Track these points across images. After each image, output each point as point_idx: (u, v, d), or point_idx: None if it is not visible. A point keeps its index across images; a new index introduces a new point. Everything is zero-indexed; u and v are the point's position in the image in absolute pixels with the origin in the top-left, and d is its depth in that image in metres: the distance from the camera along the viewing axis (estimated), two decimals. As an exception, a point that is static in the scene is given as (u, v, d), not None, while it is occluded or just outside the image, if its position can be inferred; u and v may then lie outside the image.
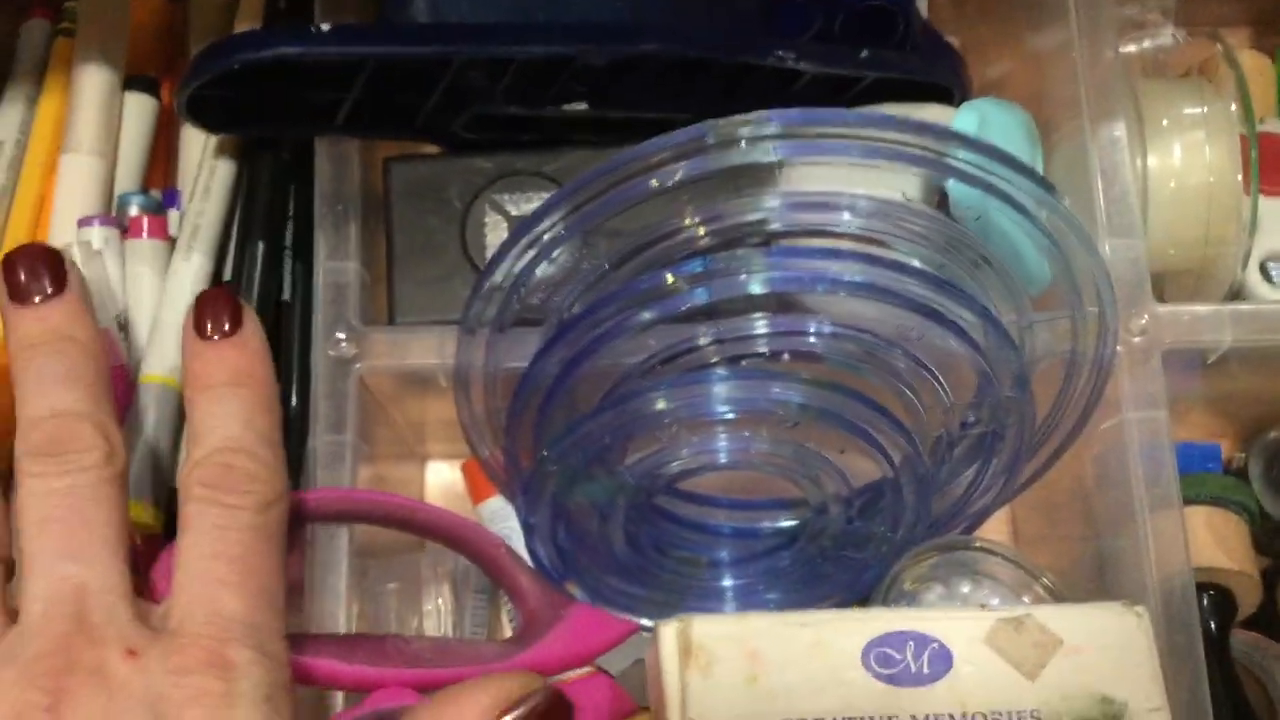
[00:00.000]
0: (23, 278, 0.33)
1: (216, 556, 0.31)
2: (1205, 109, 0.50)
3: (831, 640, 0.40)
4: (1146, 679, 0.40)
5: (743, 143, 0.40)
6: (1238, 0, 0.61)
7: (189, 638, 0.30)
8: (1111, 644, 0.40)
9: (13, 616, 0.30)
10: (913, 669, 0.40)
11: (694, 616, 0.40)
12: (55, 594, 0.30)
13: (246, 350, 0.34)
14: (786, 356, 0.44)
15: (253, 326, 0.35)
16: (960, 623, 0.40)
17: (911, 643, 0.40)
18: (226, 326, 0.34)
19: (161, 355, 0.47)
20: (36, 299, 0.33)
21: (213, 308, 0.34)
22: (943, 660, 0.40)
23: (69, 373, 0.32)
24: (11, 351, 0.33)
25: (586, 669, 0.44)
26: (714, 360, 0.44)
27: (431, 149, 0.52)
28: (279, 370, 0.48)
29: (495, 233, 0.49)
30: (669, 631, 0.39)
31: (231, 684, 0.29)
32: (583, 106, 0.48)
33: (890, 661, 0.40)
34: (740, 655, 0.40)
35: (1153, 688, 0.40)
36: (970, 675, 0.40)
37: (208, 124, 0.46)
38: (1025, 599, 0.49)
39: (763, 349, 0.44)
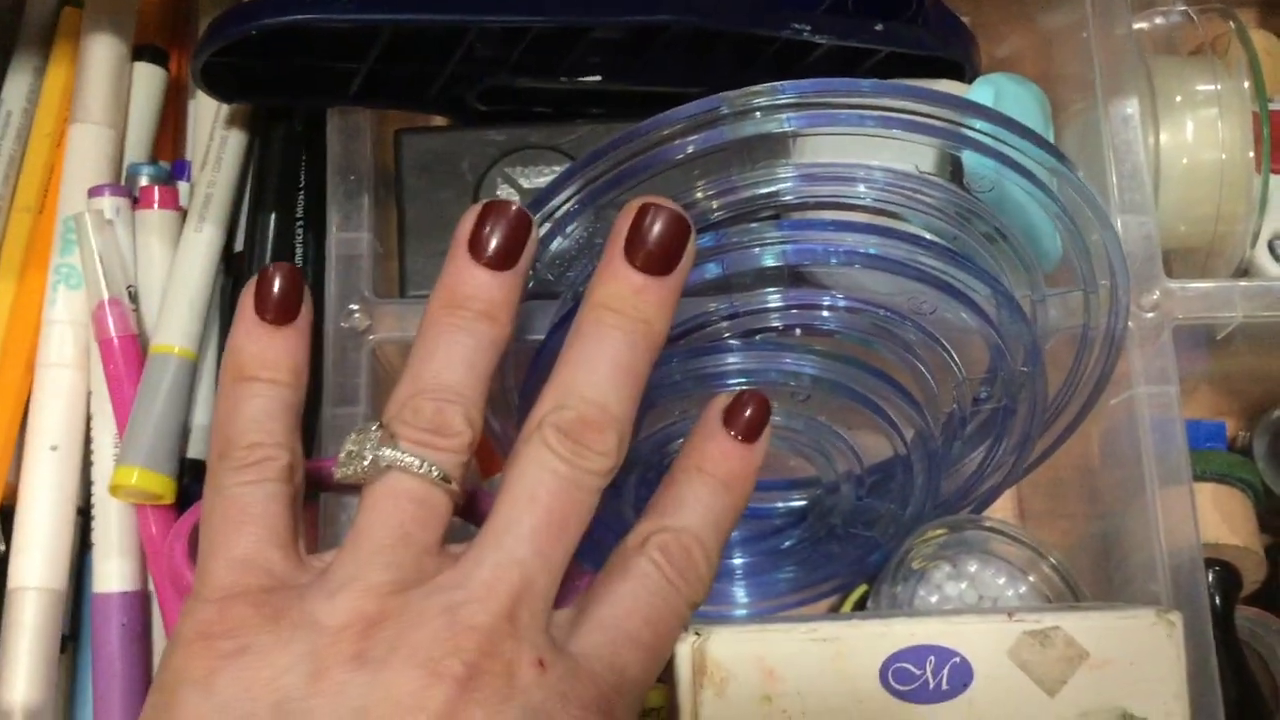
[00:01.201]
0: (657, 243, 0.33)
1: (637, 614, 0.32)
2: (1218, 86, 0.50)
3: (850, 655, 0.40)
4: (1170, 694, 0.40)
5: (757, 114, 0.40)
6: (1248, -23, 0.62)
7: (589, 674, 0.31)
8: (1139, 656, 0.40)
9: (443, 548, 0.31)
10: (931, 685, 0.40)
11: (710, 630, 0.39)
12: (505, 574, 0.30)
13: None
14: (799, 331, 0.44)
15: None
16: (985, 634, 0.40)
17: (933, 657, 0.40)
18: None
19: (172, 325, 0.46)
20: (652, 266, 0.33)
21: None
22: (963, 675, 0.40)
23: (630, 364, 0.33)
24: (593, 307, 0.33)
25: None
26: (727, 334, 0.44)
27: (442, 122, 0.51)
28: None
29: (507, 206, 0.49)
30: (684, 649, 0.39)
31: None
32: (596, 79, 0.48)
33: (909, 678, 0.40)
34: (756, 673, 0.40)
35: (1175, 704, 0.40)
36: (989, 691, 0.40)
37: (221, 93, 0.46)
38: (1031, 577, 0.50)
39: (776, 323, 0.44)
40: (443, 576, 0.30)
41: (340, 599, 0.30)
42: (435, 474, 0.31)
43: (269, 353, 0.33)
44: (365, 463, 0.31)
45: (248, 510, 0.31)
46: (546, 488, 0.31)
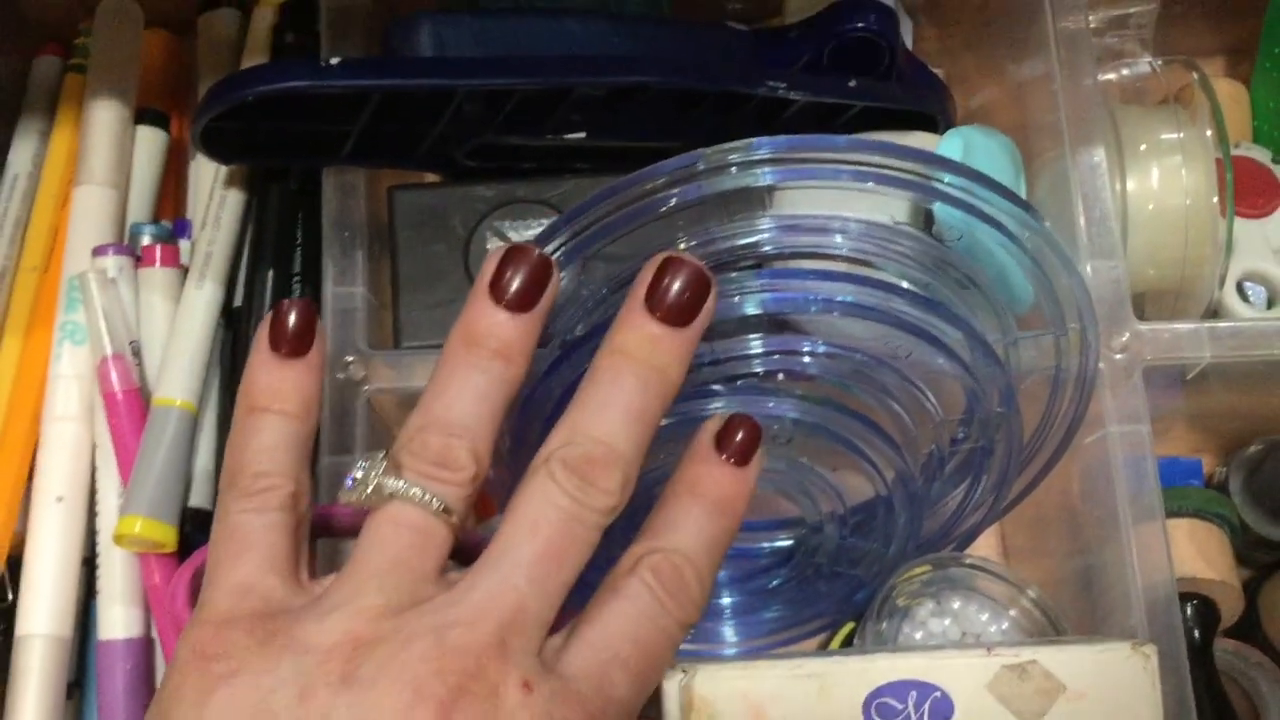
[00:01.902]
0: (677, 296, 0.34)
1: (626, 635, 0.32)
2: (1182, 134, 0.52)
3: (834, 691, 0.41)
4: None
5: (733, 169, 0.41)
6: (1213, 31, 0.63)
7: (575, 696, 0.31)
8: (1115, 688, 0.41)
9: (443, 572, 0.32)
10: (913, 719, 0.41)
11: (697, 668, 0.40)
12: (497, 599, 0.31)
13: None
14: (781, 376, 0.46)
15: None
16: (964, 669, 0.41)
17: (914, 692, 0.41)
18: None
19: (174, 379, 0.48)
20: (671, 318, 0.34)
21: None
22: (944, 710, 0.41)
23: (642, 409, 0.34)
24: (611, 353, 0.34)
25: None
26: (711, 380, 0.45)
27: (433, 178, 0.53)
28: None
29: (498, 259, 0.50)
30: (671, 686, 0.40)
31: None
32: (581, 136, 0.49)
33: (892, 713, 0.41)
34: (743, 710, 0.41)
35: None
36: None
37: (220, 155, 0.48)
38: (1012, 612, 0.51)
39: (758, 368, 0.45)
40: (436, 600, 0.31)
41: (331, 621, 0.30)
42: (437, 505, 0.32)
43: (281, 385, 0.34)
44: (369, 490, 0.32)
45: (249, 538, 0.32)
46: (548, 519, 0.32)
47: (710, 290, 0.35)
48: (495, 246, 0.51)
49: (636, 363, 0.34)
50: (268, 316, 0.35)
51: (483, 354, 0.34)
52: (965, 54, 0.61)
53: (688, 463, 0.35)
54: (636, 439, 0.33)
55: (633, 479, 0.33)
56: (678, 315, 0.34)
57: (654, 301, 0.34)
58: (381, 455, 0.33)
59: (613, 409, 0.33)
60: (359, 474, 0.33)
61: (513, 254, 0.34)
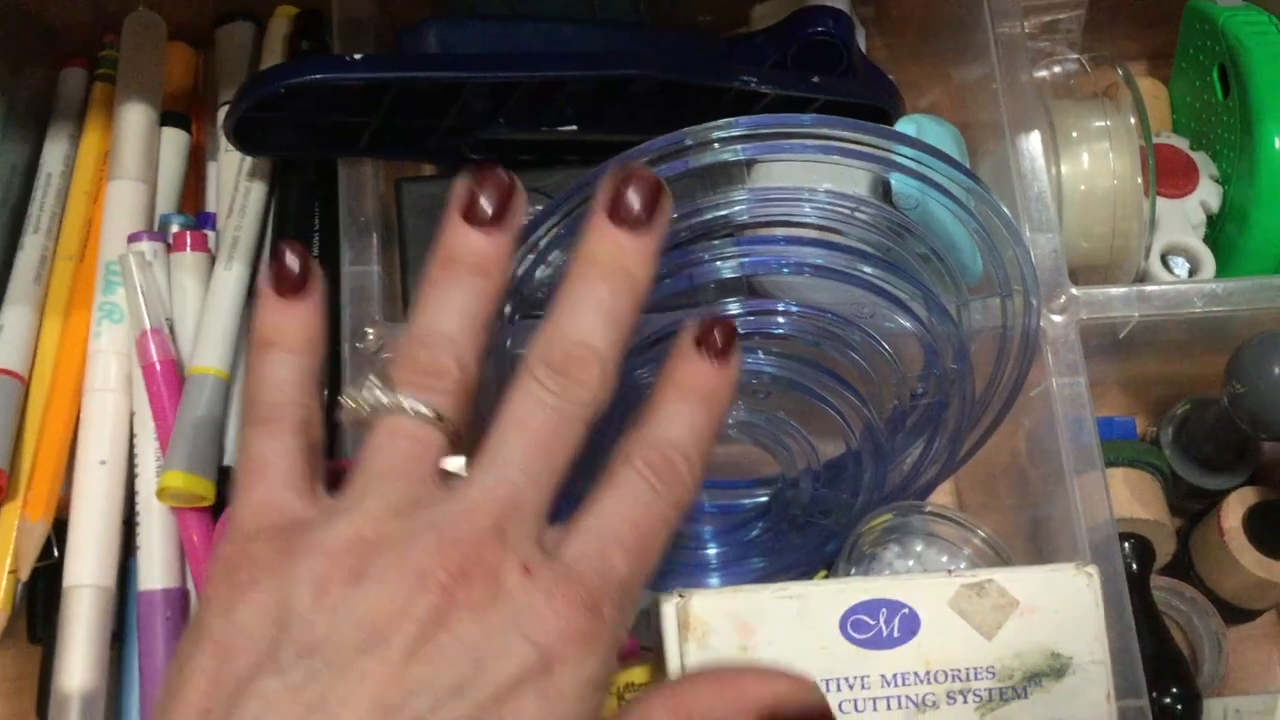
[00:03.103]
0: (635, 203, 0.36)
1: (622, 518, 0.34)
2: (1109, 122, 0.58)
3: (815, 610, 0.46)
4: (1091, 636, 0.46)
5: (715, 144, 0.46)
6: (1135, 38, 0.70)
7: (575, 576, 0.32)
8: (1062, 604, 0.46)
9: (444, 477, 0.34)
10: (884, 633, 0.46)
11: (692, 592, 0.45)
12: (493, 492, 0.32)
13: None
14: (757, 336, 0.51)
15: None
16: (928, 588, 0.46)
17: (885, 609, 0.46)
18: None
19: (209, 349, 0.53)
20: (631, 224, 0.36)
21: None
22: (912, 624, 0.46)
23: (612, 309, 0.35)
24: (580, 261, 0.35)
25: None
26: (694, 340, 0.50)
27: (431, 170, 0.58)
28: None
29: (498, 242, 0.55)
30: (670, 608, 0.45)
31: (597, 631, 0.32)
32: (573, 129, 0.55)
33: (865, 628, 0.46)
34: (733, 627, 0.45)
35: (1096, 644, 0.46)
36: (935, 637, 0.45)
37: (249, 147, 0.53)
38: (966, 550, 0.56)
39: (737, 329, 0.50)
40: (436, 499, 0.33)
41: (339, 526, 0.32)
42: (429, 412, 0.34)
43: (284, 323, 0.36)
44: (366, 408, 0.34)
45: (265, 461, 0.35)
46: (535, 416, 0.34)
47: (663, 193, 0.36)
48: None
49: (604, 268, 0.35)
50: (269, 263, 0.37)
51: (460, 270, 0.35)
52: (911, 61, 0.67)
53: (672, 363, 0.37)
54: (611, 337, 0.35)
55: (611, 374, 0.35)
56: (637, 220, 0.36)
57: (614, 210, 0.36)
58: (374, 377, 0.35)
59: (586, 312, 0.35)
60: (353, 395, 0.35)
61: (478, 176, 0.36)
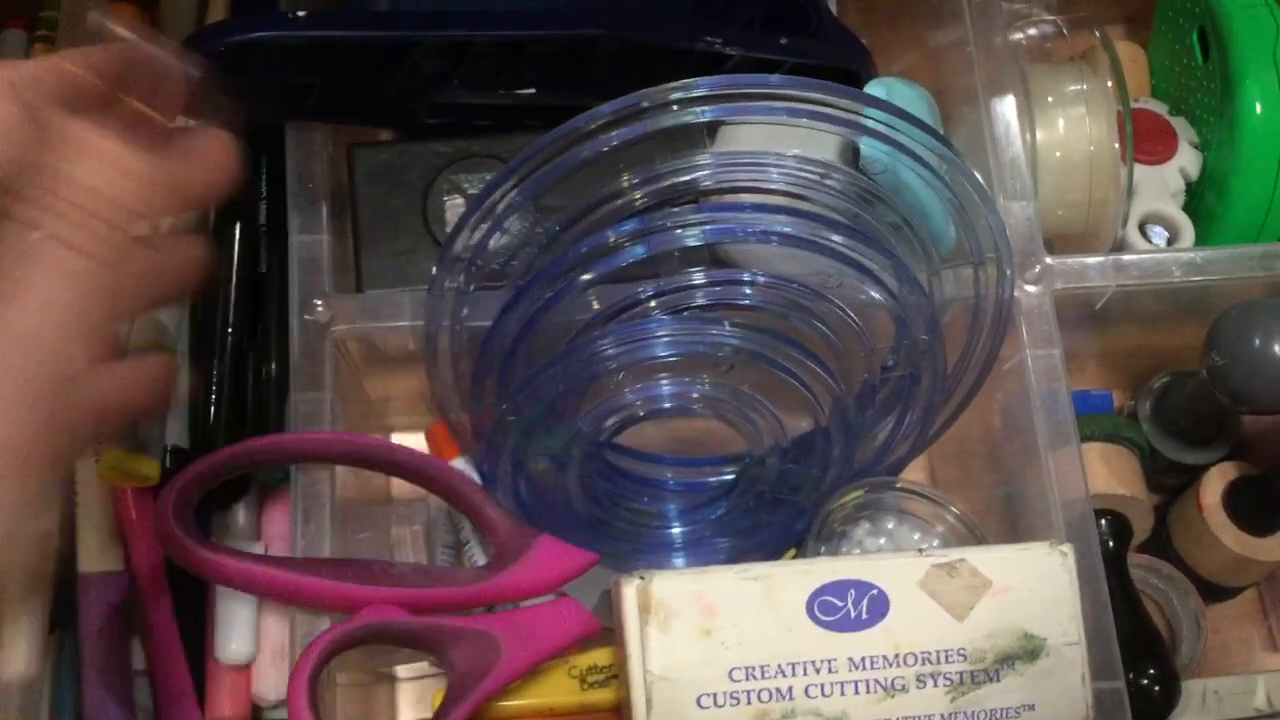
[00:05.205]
0: None
1: None
2: (1085, 86, 0.56)
3: (780, 591, 0.44)
4: (1066, 616, 0.45)
5: (674, 106, 0.45)
6: (1114, 2, 0.68)
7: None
8: (1036, 583, 0.45)
9: None
10: (852, 615, 0.45)
11: (654, 574, 0.44)
12: None
13: None
14: (721, 308, 0.49)
15: None
16: (898, 568, 0.45)
17: (853, 590, 0.45)
18: None
19: (150, 323, 0.50)
20: None
21: None
22: (881, 606, 0.44)
23: None
24: None
25: (553, 594, 0.48)
26: (655, 311, 0.48)
27: (388, 136, 0.56)
28: (260, 337, 0.52)
29: (454, 210, 0.54)
30: (630, 590, 0.43)
31: None
32: (532, 92, 0.53)
33: (832, 609, 0.45)
34: (696, 610, 0.44)
35: (1070, 625, 0.45)
36: (904, 618, 0.44)
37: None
38: (939, 527, 0.54)
39: (701, 299, 0.48)
40: None
41: None
42: None
43: None
44: None
45: None
46: None
47: None
48: (451, 199, 0.54)
49: None
50: None
51: None
52: (885, 26, 0.65)
53: None
54: None
55: None
56: None
57: None
58: None
59: None
60: None
61: None
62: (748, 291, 0.48)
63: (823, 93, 0.45)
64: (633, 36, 0.50)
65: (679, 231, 0.47)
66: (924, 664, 0.44)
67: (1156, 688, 0.53)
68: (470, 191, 0.54)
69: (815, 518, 0.54)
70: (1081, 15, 0.59)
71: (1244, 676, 0.58)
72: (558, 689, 0.49)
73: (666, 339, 0.48)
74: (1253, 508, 0.56)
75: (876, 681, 0.44)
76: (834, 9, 0.62)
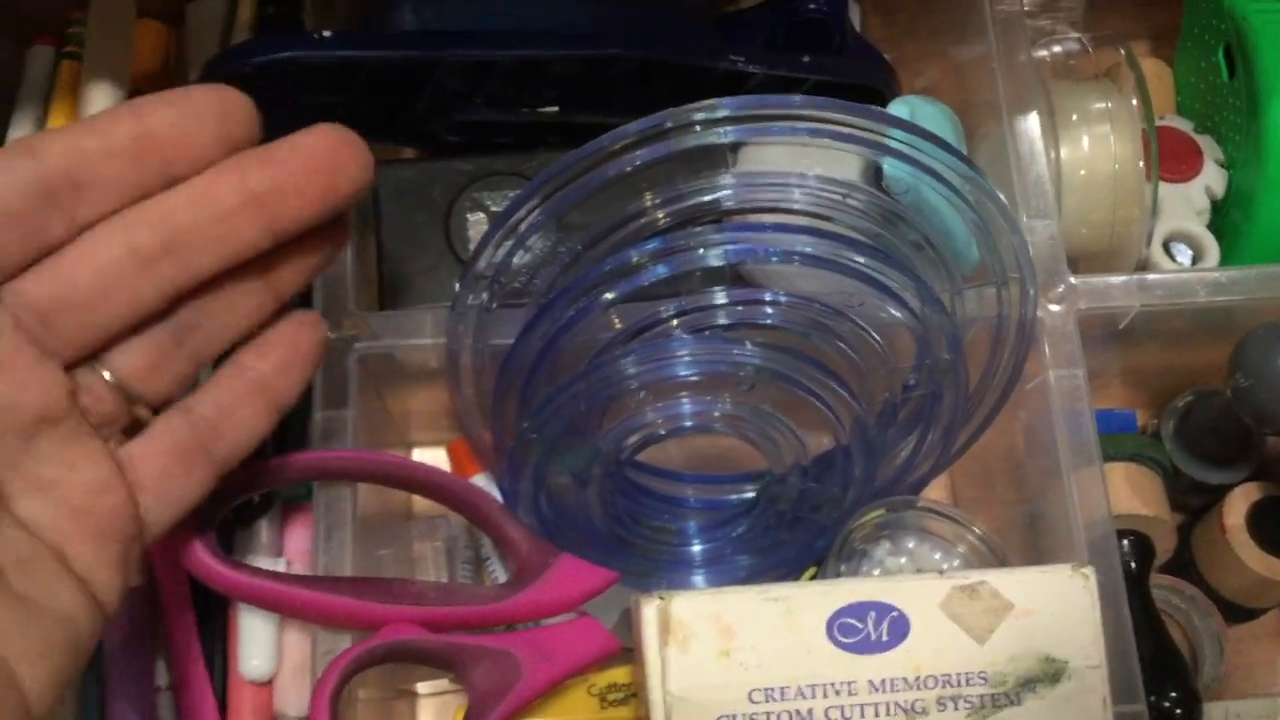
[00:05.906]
0: None
1: None
2: (1110, 104, 0.56)
3: (800, 612, 0.44)
4: (1088, 640, 0.44)
5: (698, 127, 0.45)
6: (1138, 17, 0.68)
7: None
8: (1058, 606, 0.45)
9: None
10: (873, 637, 0.44)
11: (673, 594, 0.44)
12: None
13: None
14: (743, 327, 0.49)
15: None
16: (919, 590, 0.44)
17: (873, 612, 0.44)
18: None
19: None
20: None
21: None
22: (901, 627, 0.44)
23: None
24: None
25: (573, 613, 0.48)
26: (677, 330, 0.48)
27: (412, 154, 0.56)
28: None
29: (477, 227, 0.54)
30: (649, 610, 0.43)
31: None
32: (554, 110, 0.53)
33: (852, 631, 0.44)
34: (715, 631, 0.44)
35: (1093, 648, 0.44)
36: (925, 641, 0.44)
37: (215, 128, 0.50)
38: (960, 547, 0.54)
39: (722, 319, 0.48)
40: None
41: None
42: None
43: None
44: None
45: None
46: None
47: None
48: (474, 217, 0.54)
49: None
50: None
51: None
52: (908, 40, 0.65)
53: None
54: None
55: None
56: None
57: None
58: None
59: None
60: None
61: None
62: (769, 311, 0.48)
63: (846, 113, 0.45)
64: (654, 55, 0.50)
65: (701, 251, 0.47)
66: (945, 687, 0.44)
67: (1178, 710, 0.53)
68: (493, 209, 0.54)
69: (836, 536, 0.54)
70: (1106, 32, 0.59)
71: (1266, 700, 0.57)
72: (577, 707, 0.49)
73: (688, 358, 0.48)
74: (1276, 529, 0.56)
75: (897, 704, 0.44)
76: (857, 24, 0.62)
